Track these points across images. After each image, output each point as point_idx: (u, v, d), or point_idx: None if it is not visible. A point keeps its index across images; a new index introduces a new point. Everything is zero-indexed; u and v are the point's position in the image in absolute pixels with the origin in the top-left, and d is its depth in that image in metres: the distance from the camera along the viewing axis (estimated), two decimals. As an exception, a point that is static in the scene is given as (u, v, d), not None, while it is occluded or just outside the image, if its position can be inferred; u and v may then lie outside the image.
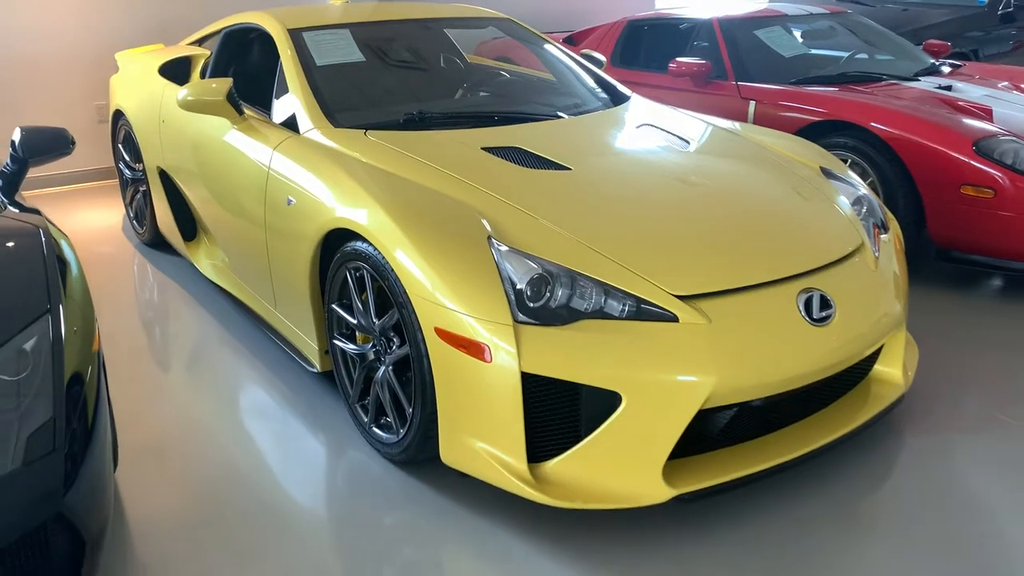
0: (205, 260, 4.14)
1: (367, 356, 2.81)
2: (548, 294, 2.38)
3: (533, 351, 2.29)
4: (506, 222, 2.58)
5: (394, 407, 2.71)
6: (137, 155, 4.66)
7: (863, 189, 3.20)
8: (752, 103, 4.80)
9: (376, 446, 2.82)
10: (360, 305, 2.77)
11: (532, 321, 2.33)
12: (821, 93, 4.58)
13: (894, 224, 3.19)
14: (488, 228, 2.52)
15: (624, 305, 2.38)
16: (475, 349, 2.33)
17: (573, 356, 2.30)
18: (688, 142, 3.34)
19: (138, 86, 4.63)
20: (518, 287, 2.36)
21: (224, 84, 3.42)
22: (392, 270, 2.52)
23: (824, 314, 2.52)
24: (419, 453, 2.62)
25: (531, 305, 2.35)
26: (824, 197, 3.03)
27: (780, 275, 2.55)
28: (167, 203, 4.33)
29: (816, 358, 2.47)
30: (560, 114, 3.55)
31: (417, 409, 2.55)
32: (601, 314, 2.37)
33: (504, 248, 2.44)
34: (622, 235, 2.58)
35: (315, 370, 3.12)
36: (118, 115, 4.86)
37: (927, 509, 2.54)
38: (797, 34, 5.54)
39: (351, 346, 2.87)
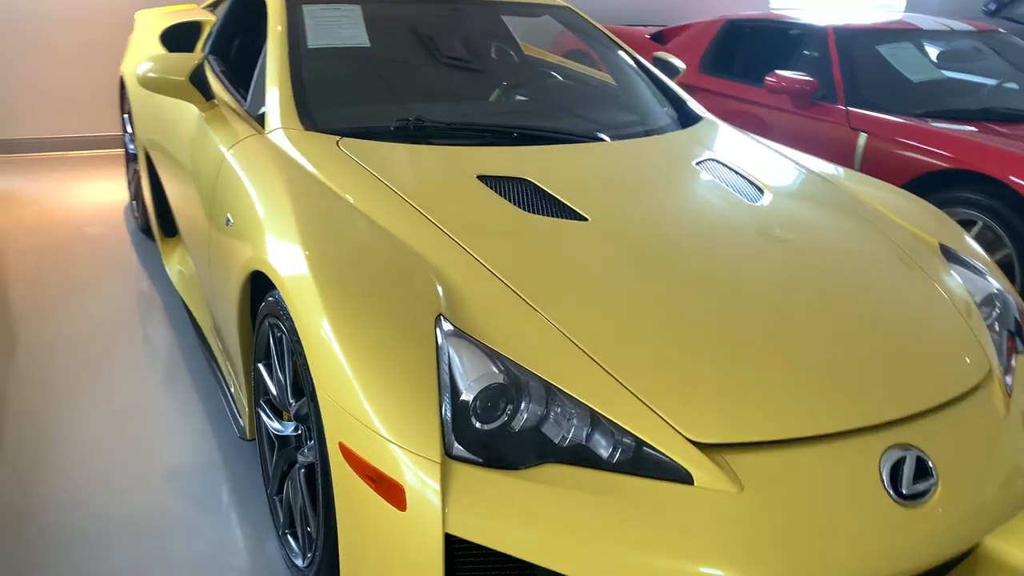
0: (176, 265, 3.53)
1: (288, 440, 2.12)
2: (507, 414, 1.63)
3: (466, 505, 1.54)
4: (473, 293, 1.83)
5: (303, 520, 2.01)
6: (137, 129, 4.08)
7: (995, 282, 2.32)
8: (862, 136, 3.89)
9: (286, 561, 2.13)
10: (280, 375, 2.08)
11: (473, 457, 1.58)
12: (953, 132, 3.64)
13: (1038, 334, 2.31)
14: (442, 301, 1.77)
15: (615, 447, 1.61)
16: (388, 488, 1.59)
17: (525, 521, 1.54)
18: (762, 192, 2.50)
19: (139, 52, 4.04)
20: (463, 397, 1.62)
21: (188, 61, 2.76)
22: (302, 347, 1.80)
23: (920, 487, 1.69)
24: (327, 594, 1.92)
25: (478, 427, 1.61)
26: (940, 297, 2.16)
27: (859, 423, 1.72)
28: (150, 188, 3.74)
29: (904, 552, 1.64)
30: (602, 136, 2.76)
31: (320, 540, 1.84)
32: (580, 452, 1.61)
33: (451, 328, 1.69)
34: (632, 336, 1.79)
35: (241, 435, 2.45)
36: (122, 82, 4.30)
37: None
38: (932, 54, 4.57)
39: (272, 422, 2.18)
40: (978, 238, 3.44)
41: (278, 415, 2.21)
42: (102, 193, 5.01)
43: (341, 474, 1.69)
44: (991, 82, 4.36)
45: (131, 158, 4.42)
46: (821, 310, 1.98)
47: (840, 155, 3.94)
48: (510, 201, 2.21)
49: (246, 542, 2.27)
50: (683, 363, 1.75)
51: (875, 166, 3.78)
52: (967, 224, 3.47)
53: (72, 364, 3.10)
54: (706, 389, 1.70)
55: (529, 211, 2.18)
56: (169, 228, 3.71)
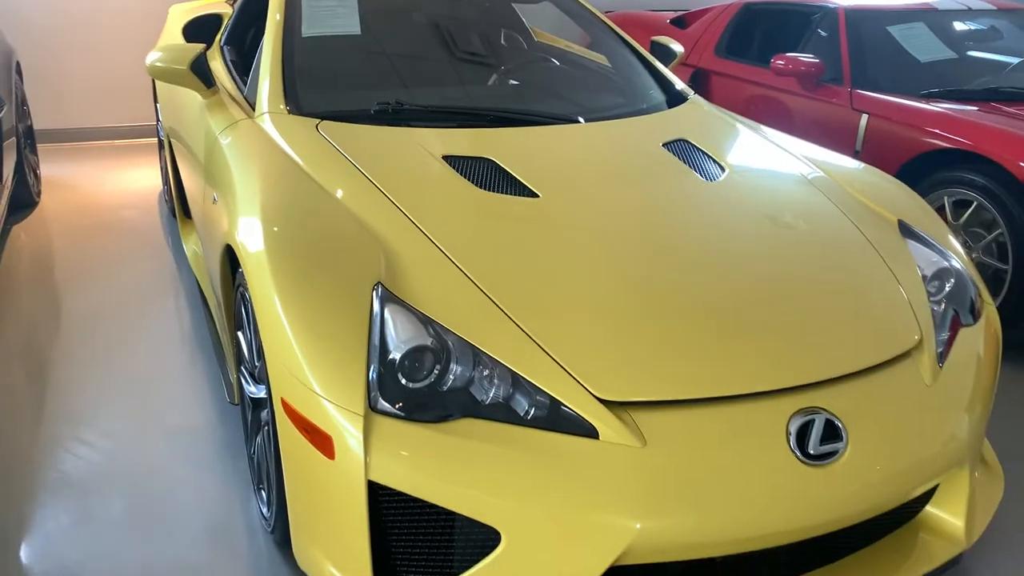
0: (191, 245, 3.74)
1: (261, 402, 2.29)
2: (435, 375, 1.76)
3: (387, 455, 1.68)
4: (415, 263, 1.97)
5: (267, 475, 2.18)
6: (166, 116, 4.32)
7: (954, 260, 2.34)
8: (864, 116, 3.89)
9: (259, 512, 2.30)
10: (251, 338, 2.24)
11: (395, 412, 1.72)
12: (954, 113, 3.62)
13: (990, 310, 2.33)
14: (383, 270, 1.91)
15: (531, 405, 1.73)
16: (320, 439, 1.74)
17: (439, 469, 1.67)
18: (723, 170, 2.57)
19: (163, 43, 4.27)
20: (391, 356, 1.75)
21: (191, 51, 2.95)
22: (254, 312, 1.96)
23: (827, 448, 1.76)
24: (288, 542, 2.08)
25: (405, 384, 1.74)
26: (882, 269, 2.21)
27: (769, 386, 1.80)
28: (172, 172, 3.96)
29: (806, 511, 1.73)
30: (577, 118, 2.85)
31: (273, 490, 2.01)
32: (501, 410, 1.74)
33: (387, 295, 1.82)
34: (556, 302, 1.91)
35: (230, 399, 2.64)
36: (152, 72, 4.53)
37: None
38: (948, 34, 4.50)
39: (249, 386, 2.35)
40: (973, 218, 3.43)
41: (255, 380, 2.38)
42: (139, 179, 5.28)
43: (284, 428, 1.84)
44: (1008, 61, 4.29)
45: (161, 144, 4.67)
46: (750, 278, 2.07)
47: (843, 136, 3.95)
48: (470, 179, 2.33)
49: (230, 497, 2.44)
50: (602, 327, 1.86)
51: (875, 147, 3.79)
52: (964, 204, 3.46)
53: (97, 332, 3.34)
54: (619, 351, 1.81)
55: (486, 189, 2.30)
56: (189, 210, 3.93)
